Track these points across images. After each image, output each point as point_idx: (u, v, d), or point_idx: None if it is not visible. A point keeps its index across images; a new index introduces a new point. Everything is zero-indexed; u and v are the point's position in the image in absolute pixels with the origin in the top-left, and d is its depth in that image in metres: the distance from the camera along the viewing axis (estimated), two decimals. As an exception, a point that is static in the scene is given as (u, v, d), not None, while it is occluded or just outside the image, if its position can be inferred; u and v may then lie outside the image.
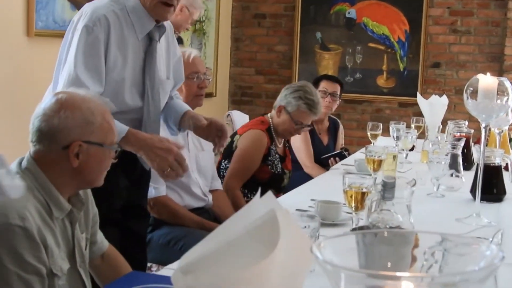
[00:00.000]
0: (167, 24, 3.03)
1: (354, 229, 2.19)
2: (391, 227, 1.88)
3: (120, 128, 2.66)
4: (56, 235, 2.09)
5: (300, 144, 4.91)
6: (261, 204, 1.14)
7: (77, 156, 2.11)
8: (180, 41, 4.77)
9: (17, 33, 4.30)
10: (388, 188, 1.90)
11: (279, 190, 4.15)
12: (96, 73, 2.73)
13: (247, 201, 3.92)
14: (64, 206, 2.12)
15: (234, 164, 4.05)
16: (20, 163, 2.14)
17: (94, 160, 2.16)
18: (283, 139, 4.35)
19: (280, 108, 4.20)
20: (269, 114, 4.28)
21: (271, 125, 4.21)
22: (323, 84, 5.14)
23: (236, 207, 3.96)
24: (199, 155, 3.77)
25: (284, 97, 4.22)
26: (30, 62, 4.36)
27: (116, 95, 2.78)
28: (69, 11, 4.60)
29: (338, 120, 5.47)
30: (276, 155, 4.20)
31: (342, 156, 4.78)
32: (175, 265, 2.28)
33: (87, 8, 2.81)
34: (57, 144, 2.10)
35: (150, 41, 2.91)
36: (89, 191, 2.33)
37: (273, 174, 4.15)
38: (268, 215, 1.06)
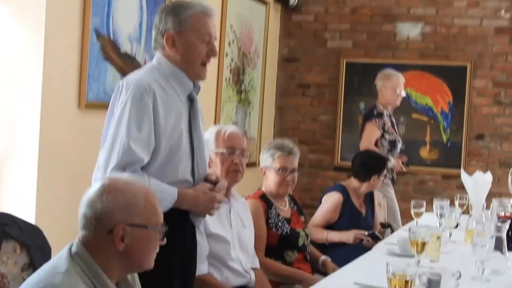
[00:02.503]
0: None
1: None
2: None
3: (171, 192, 2.85)
4: (105, 321, 2.11)
5: (325, 209, 5.06)
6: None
7: (122, 240, 2.12)
8: None
9: (69, 104, 4.39)
10: (433, 286, 1.91)
11: (300, 250, 4.27)
12: (147, 144, 2.83)
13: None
14: (111, 290, 2.15)
15: None
16: (70, 248, 2.17)
17: (140, 243, 2.16)
18: (287, 199, 4.42)
19: (263, 171, 4.32)
20: (263, 185, 4.38)
21: (265, 191, 4.30)
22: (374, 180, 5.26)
23: (274, 273, 4.10)
24: (240, 232, 3.81)
25: (261, 162, 4.30)
26: (80, 133, 4.44)
27: (169, 162, 2.90)
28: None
29: (372, 191, 5.53)
30: (279, 217, 4.24)
31: (375, 237, 4.81)
32: None
33: (128, 81, 2.91)
34: (102, 229, 2.12)
35: (191, 102, 3.03)
36: (136, 277, 2.34)
37: (281, 236, 4.20)
38: None
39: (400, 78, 6.23)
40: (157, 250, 2.25)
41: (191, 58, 2.99)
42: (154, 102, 2.86)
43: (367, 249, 4.43)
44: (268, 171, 4.29)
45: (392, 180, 6.13)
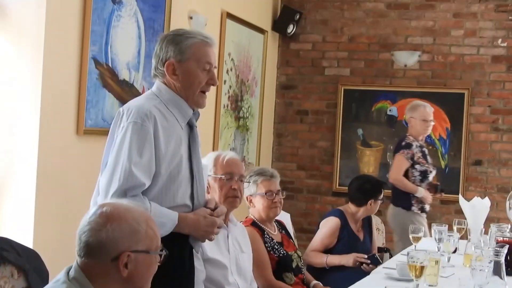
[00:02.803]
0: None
1: None
2: None
3: (171, 216, 2.87)
4: None
5: (322, 233, 5.10)
6: None
7: (126, 266, 2.13)
8: None
9: (68, 131, 4.41)
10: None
11: (295, 272, 4.32)
12: (148, 169, 2.84)
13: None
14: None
15: (253, 264, 4.09)
16: (67, 272, 2.17)
17: (143, 267, 2.18)
18: (275, 225, 4.46)
19: (249, 199, 4.34)
20: (250, 213, 4.41)
21: (254, 218, 4.33)
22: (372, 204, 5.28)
23: None
24: (239, 257, 3.82)
25: (246, 191, 4.29)
26: (78, 159, 4.46)
27: (169, 187, 2.91)
28: (118, 109, 4.73)
29: (370, 216, 5.55)
30: (273, 241, 4.30)
31: (375, 260, 4.82)
32: None
33: (129, 107, 2.93)
34: (106, 257, 2.12)
35: (190, 128, 3.05)
36: None
37: (279, 258, 4.26)
38: None
39: (427, 108, 6.25)
40: (155, 272, 2.27)
41: (191, 86, 3.02)
42: (155, 127, 2.87)
43: (366, 273, 4.43)
44: (254, 198, 4.33)
45: (422, 210, 6.12)
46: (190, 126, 3.06)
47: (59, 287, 2.11)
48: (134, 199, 2.77)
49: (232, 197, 3.74)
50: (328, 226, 5.19)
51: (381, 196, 5.35)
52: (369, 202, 5.26)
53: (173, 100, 3.01)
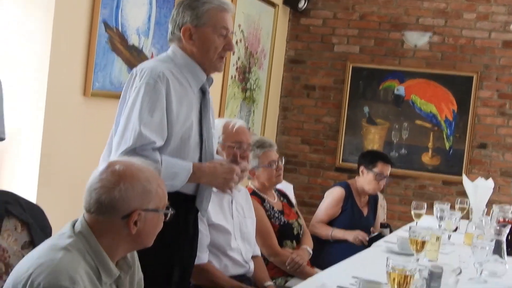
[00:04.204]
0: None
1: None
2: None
3: (185, 166, 2.86)
4: (103, 300, 2.12)
5: (322, 206, 5.12)
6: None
7: (135, 224, 2.16)
8: None
9: (75, 92, 4.42)
10: (434, 278, 1.92)
11: (294, 239, 4.37)
12: (159, 128, 2.83)
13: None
14: (113, 271, 2.16)
15: (257, 233, 4.11)
16: (73, 225, 2.18)
17: (151, 225, 2.21)
18: (276, 194, 4.49)
19: (252, 172, 4.34)
20: (250, 183, 4.43)
21: (254, 188, 4.35)
22: (380, 167, 5.30)
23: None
24: (242, 222, 3.85)
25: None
26: (85, 121, 4.48)
27: (180, 150, 2.91)
28: (126, 73, 4.73)
29: (378, 194, 5.57)
30: (274, 209, 4.33)
31: (380, 237, 4.86)
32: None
33: (142, 68, 2.93)
34: (117, 214, 2.14)
35: (203, 94, 3.04)
36: (136, 255, 2.36)
37: (280, 226, 4.30)
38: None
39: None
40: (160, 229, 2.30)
41: (207, 52, 3.02)
42: (167, 89, 2.87)
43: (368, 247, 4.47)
44: (257, 170, 4.34)
45: None
46: (203, 92, 3.06)
47: (65, 240, 2.12)
48: (144, 155, 2.76)
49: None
50: (332, 196, 5.23)
51: (374, 168, 5.32)
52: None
53: (187, 65, 3.01)
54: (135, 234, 2.17)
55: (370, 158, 5.37)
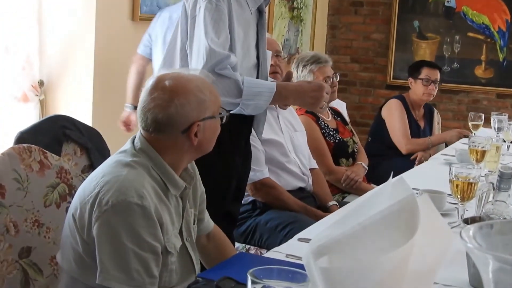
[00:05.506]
0: None
1: (465, 220, 2.17)
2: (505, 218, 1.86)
3: (268, 84, 2.80)
4: (172, 213, 2.13)
5: (395, 123, 5.08)
6: (395, 188, 1.15)
7: (196, 135, 2.13)
8: None
9: (123, 17, 4.41)
10: (504, 179, 1.88)
11: (349, 157, 4.35)
12: (227, 45, 2.76)
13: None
14: (179, 183, 2.16)
15: (312, 152, 4.09)
16: (133, 142, 2.16)
17: (210, 132, 2.19)
18: (330, 112, 4.44)
19: None
20: None
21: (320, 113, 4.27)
22: (426, 72, 5.21)
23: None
24: (293, 136, 3.83)
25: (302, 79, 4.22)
26: (134, 45, 4.46)
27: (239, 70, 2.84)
28: (173, -4, 4.69)
29: (433, 106, 5.52)
30: (328, 127, 4.30)
31: None
32: (280, 248, 2.32)
33: None
34: (176, 130, 2.11)
35: (259, 14, 2.98)
36: (195, 167, 2.34)
37: (335, 144, 4.27)
38: (408, 201, 1.07)
39: None
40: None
41: None
42: (229, 9, 2.81)
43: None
44: None
45: None
46: (260, 12, 2.99)
47: (128, 157, 2.11)
48: (224, 72, 2.72)
49: (272, 73, 3.60)
50: (395, 108, 5.18)
51: (420, 75, 5.25)
52: (409, 81, 5.27)
53: None
54: (197, 145, 2.15)
55: (416, 67, 5.31)
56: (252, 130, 3.09)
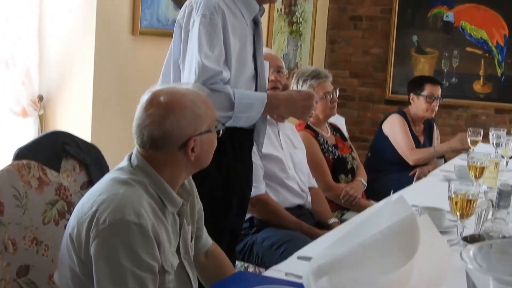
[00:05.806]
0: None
1: (465, 238, 2.16)
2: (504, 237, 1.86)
3: (259, 95, 2.83)
4: (169, 231, 2.12)
5: (398, 137, 5.09)
6: (395, 207, 1.15)
7: (193, 150, 2.12)
8: None
9: (123, 31, 4.42)
10: (503, 197, 1.88)
11: (348, 173, 4.36)
12: (221, 60, 2.78)
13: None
14: (177, 200, 2.15)
15: (311, 168, 4.08)
16: (129, 159, 2.16)
17: (207, 146, 2.18)
18: (329, 128, 4.45)
19: None
20: None
21: (308, 121, 4.28)
22: (429, 88, 5.24)
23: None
24: (292, 153, 3.84)
25: None
26: (133, 59, 4.48)
27: (236, 84, 2.85)
28: (173, 10, 4.70)
29: (433, 121, 5.52)
30: (328, 143, 4.31)
31: None
32: (280, 267, 2.31)
33: (197, 0, 2.86)
34: (173, 146, 2.11)
35: (255, 25, 2.99)
36: (193, 183, 2.34)
37: (334, 160, 4.28)
38: (408, 221, 1.07)
39: None
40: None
41: None
42: (224, 22, 2.82)
43: None
44: None
45: None
46: (255, 23, 3.01)
47: (125, 175, 2.10)
48: (214, 86, 2.74)
49: (272, 89, 3.59)
50: (397, 123, 5.19)
51: (423, 91, 5.25)
52: (410, 96, 5.28)
53: None
54: (194, 160, 2.14)
55: (417, 83, 5.33)
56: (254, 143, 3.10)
